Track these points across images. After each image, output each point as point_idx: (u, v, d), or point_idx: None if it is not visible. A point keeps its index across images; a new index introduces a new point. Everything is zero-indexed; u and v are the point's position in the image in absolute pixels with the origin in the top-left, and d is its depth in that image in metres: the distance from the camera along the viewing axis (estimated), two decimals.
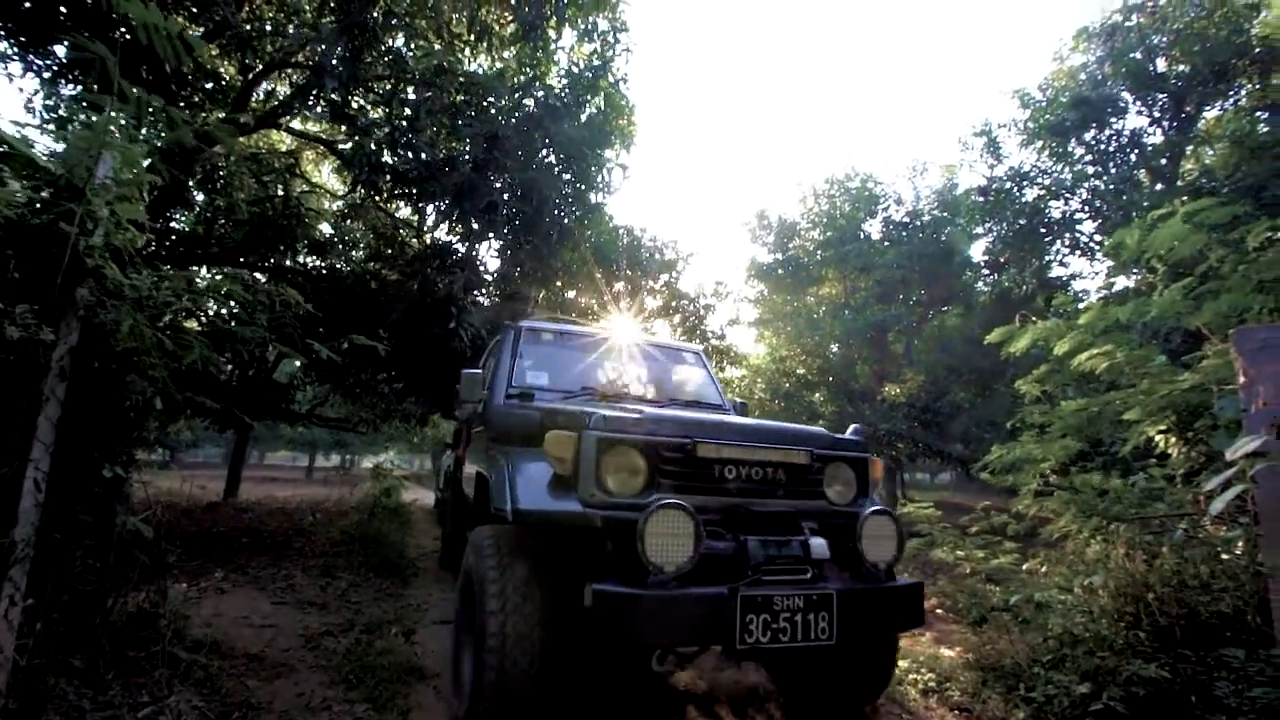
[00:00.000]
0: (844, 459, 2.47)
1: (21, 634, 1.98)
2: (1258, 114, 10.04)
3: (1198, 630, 2.46)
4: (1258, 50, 10.31)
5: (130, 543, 2.29)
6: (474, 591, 2.18)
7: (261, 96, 7.23)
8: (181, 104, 6.02)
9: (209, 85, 6.64)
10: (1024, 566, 3.86)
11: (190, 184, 6.22)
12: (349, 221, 7.74)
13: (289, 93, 6.28)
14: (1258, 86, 10.28)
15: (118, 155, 2.04)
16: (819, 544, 2.09)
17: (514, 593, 2.01)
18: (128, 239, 1.99)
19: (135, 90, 2.07)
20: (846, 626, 1.98)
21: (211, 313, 2.89)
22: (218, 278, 4.73)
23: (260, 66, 6.32)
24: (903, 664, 3.39)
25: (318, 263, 7.41)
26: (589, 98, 5.89)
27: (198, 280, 2.19)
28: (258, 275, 6.98)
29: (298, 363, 8.45)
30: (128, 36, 5.60)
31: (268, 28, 6.45)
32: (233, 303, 2.57)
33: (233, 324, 3.01)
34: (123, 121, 2.17)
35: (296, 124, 7.36)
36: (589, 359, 3.96)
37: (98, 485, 2.19)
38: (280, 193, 6.66)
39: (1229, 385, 2.87)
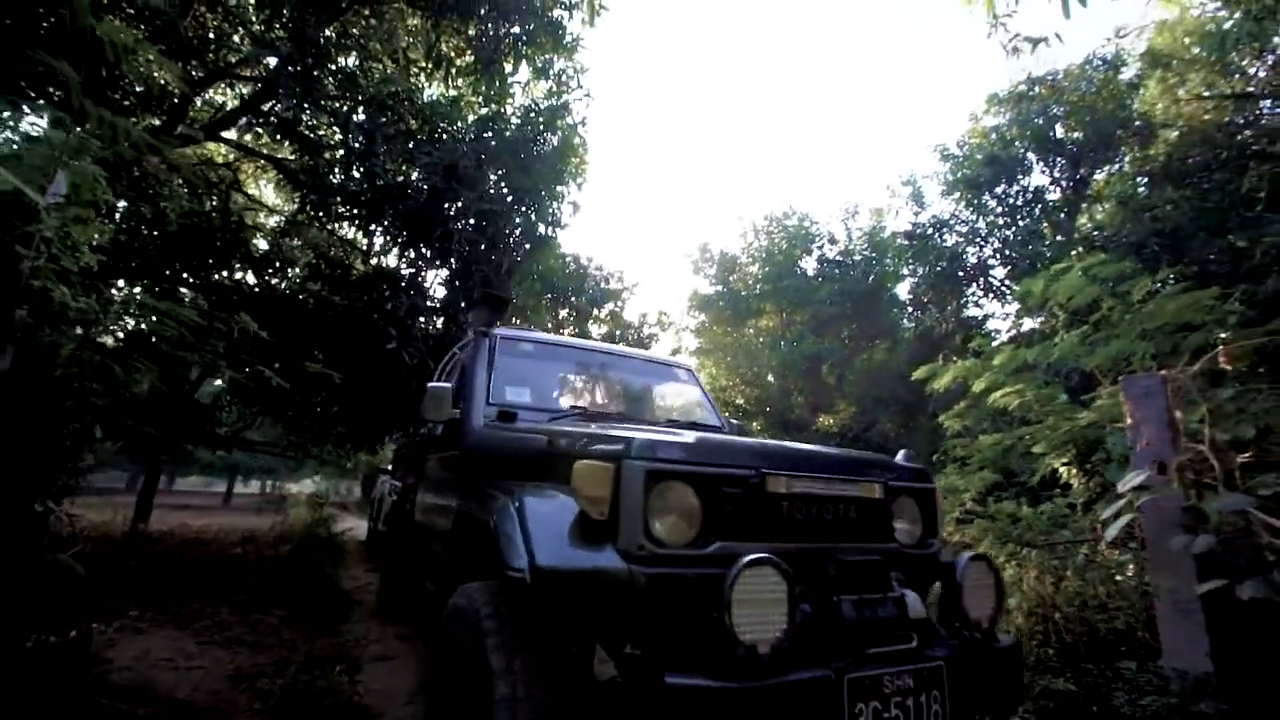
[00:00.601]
0: (911, 491, 2.09)
1: None
2: (1138, 179, 11.39)
3: (1098, 645, 2.75)
4: (1137, 123, 11.74)
5: (58, 580, 2.14)
6: (466, 672, 1.71)
7: (198, 105, 6.97)
8: (111, 109, 5.72)
9: (139, 89, 6.35)
10: None
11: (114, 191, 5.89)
12: (288, 239, 7.48)
13: (235, 105, 6.09)
14: (1138, 154, 11.67)
15: (74, 175, 1.98)
16: (914, 599, 1.75)
17: (533, 685, 1.54)
18: (84, 261, 1.92)
19: (99, 109, 2.03)
20: (959, 706, 1.62)
21: (139, 332, 2.75)
22: (139, 293, 4.50)
23: (201, 75, 6.11)
24: None
25: (251, 280, 7.10)
26: (545, 135, 6.03)
27: (145, 302, 2.12)
28: (183, 290, 6.63)
29: (219, 382, 8.00)
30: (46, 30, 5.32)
31: (211, 35, 6.27)
32: (175, 324, 2.48)
33: (160, 346, 2.89)
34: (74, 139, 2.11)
35: (235, 136, 7.12)
36: (573, 374, 3.50)
37: (26, 519, 2.05)
38: (216, 206, 6.39)
39: (1119, 423, 3.26)
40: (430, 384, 2.96)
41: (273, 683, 3.16)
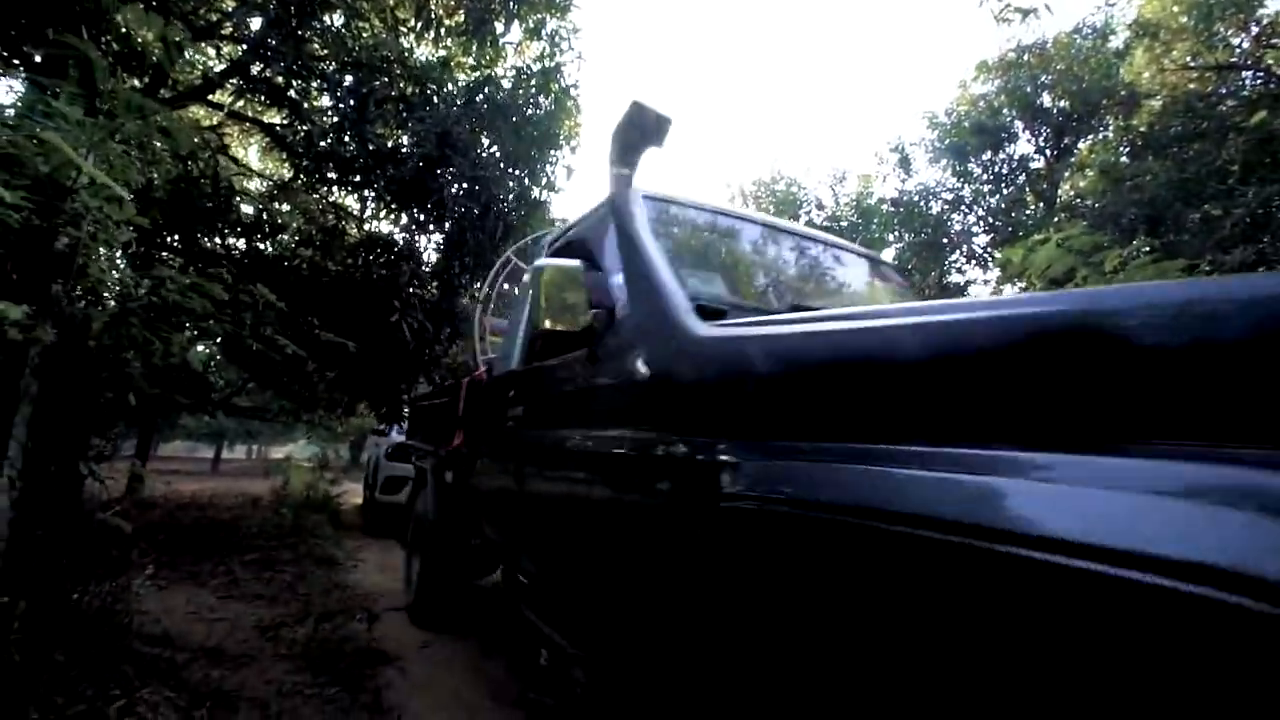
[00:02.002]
0: None
1: None
2: (1120, 148, 11.57)
3: None
4: (1123, 92, 11.84)
5: (103, 538, 2.30)
6: None
7: (178, 66, 6.79)
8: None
9: (116, 48, 6.18)
10: None
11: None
12: (277, 204, 7.42)
13: (223, 68, 5.97)
14: (1121, 124, 11.82)
15: (104, 157, 2.06)
16: None
17: None
18: (115, 237, 2.02)
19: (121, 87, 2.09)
20: None
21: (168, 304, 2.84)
22: (172, 271, 4.54)
23: (182, 37, 5.96)
24: None
25: (242, 245, 7.07)
26: (538, 98, 6.01)
27: (181, 279, 2.22)
28: (164, 254, 6.61)
29: (201, 348, 8.02)
30: None
31: None
32: (200, 297, 2.58)
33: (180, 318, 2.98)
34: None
35: (220, 99, 6.97)
36: (763, 257, 2.33)
37: (69, 482, 2.19)
38: (204, 171, 6.32)
39: None
40: (544, 260, 1.90)
41: (294, 631, 3.38)
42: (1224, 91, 9.95)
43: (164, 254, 6.69)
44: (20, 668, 1.97)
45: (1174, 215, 9.06)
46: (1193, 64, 10.05)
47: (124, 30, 6.14)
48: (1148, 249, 5.89)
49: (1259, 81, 9.56)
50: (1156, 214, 9.25)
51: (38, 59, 4.97)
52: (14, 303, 1.88)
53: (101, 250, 2.25)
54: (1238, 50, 9.80)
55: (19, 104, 2.13)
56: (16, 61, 4.65)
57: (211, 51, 6.55)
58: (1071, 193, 12.82)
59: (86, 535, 2.29)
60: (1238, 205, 7.74)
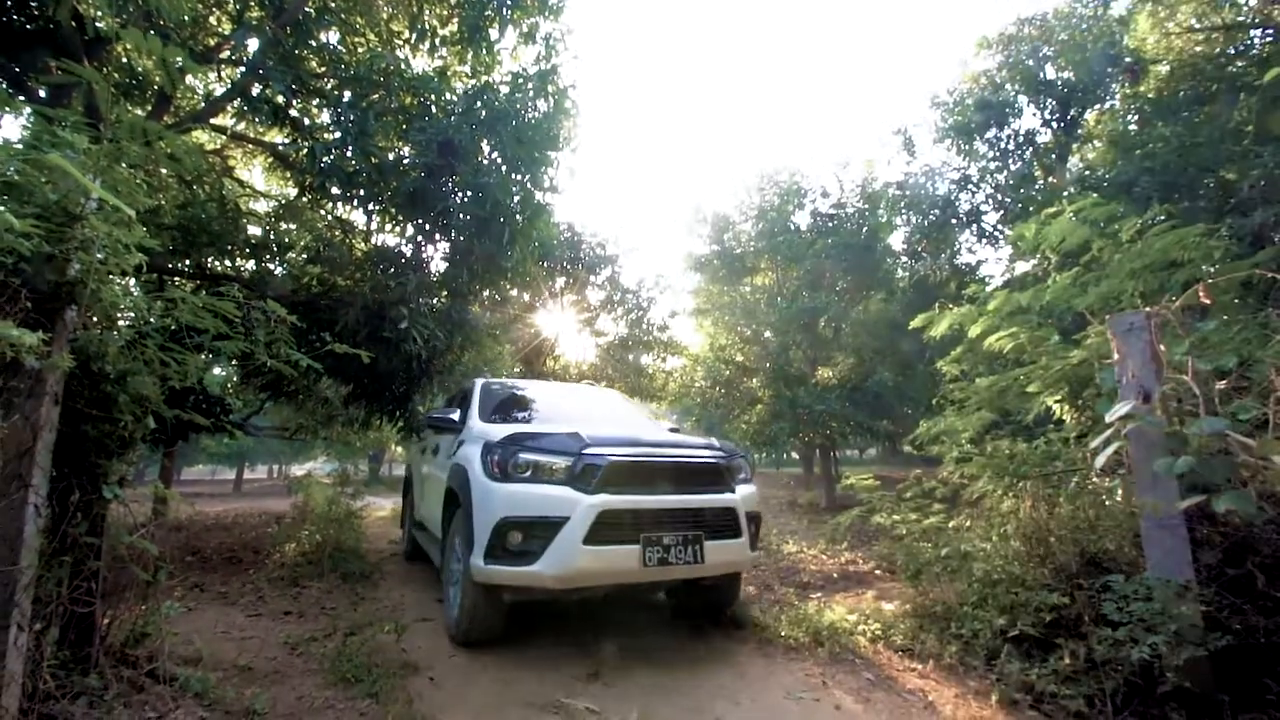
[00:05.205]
0: None
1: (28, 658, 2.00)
2: (1128, 117, 11.35)
3: (1089, 564, 2.98)
4: (1128, 60, 11.62)
5: (129, 561, 2.31)
6: None
7: (179, 92, 6.87)
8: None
9: (118, 77, 6.27)
10: (950, 524, 4.37)
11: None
12: (283, 223, 7.47)
13: (224, 91, 6.03)
14: (1128, 92, 11.60)
15: (111, 181, 2.06)
16: None
17: None
18: (126, 261, 2.02)
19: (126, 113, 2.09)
20: None
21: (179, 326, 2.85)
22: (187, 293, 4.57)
23: (183, 56, 6.02)
24: (850, 617, 3.83)
25: (251, 266, 7.13)
26: (535, 101, 5.99)
27: (193, 299, 2.22)
28: (176, 279, 6.68)
29: (217, 370, 8.10)
30: (28, 27, 5.25)
31: (186, 19, 6.15)
32: (213, 317, 2.58)
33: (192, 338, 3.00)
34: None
35: (223, 121, 7.04)
36: None
37: (93, 507, 2.20)
38: (210, 193, 6.39)
39: (1108, 360, 3.43)
40: None
41: (323, 647, 3.39)
42: (1232, 52, 9.71)
43: (175, 278, 6.78)
44: (53, 694, 1.98)
45: (1188, 181, 8.86)
46: (1198, 25, 9.83)
47: (125, 60, 6.25)
48: (1164, 216, 5.76)
49: (1269, 39, 9.34)
50: (1170, 181, 9.04)
51: (42, 93, 5.06)
52: (29, 329, 1.89)
53: (114, 276, 2.26)
54: (1245, 8, 9.58)
55: (25, 135, 2.14)
56: (22, 98, 4.72)
57: (212, 75, 6.62)
58: (1080, 165, 12.61)
59: (114, 560, 2.30)
60: (1254, 167, 7.55)
